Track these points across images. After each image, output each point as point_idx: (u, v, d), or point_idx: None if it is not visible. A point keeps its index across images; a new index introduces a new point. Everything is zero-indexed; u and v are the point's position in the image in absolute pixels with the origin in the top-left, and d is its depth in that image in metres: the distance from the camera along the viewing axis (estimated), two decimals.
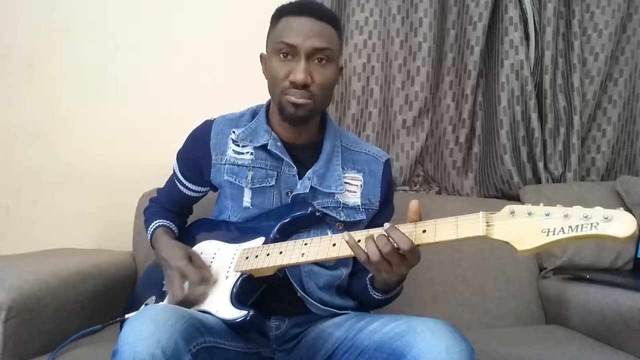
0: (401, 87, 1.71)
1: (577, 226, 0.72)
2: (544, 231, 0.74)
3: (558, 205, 0.75)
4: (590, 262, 1.50)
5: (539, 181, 1.73)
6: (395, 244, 0.82)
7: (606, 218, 0.70)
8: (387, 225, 0.84)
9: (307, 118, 1.05)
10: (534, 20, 1.71)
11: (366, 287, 1.01)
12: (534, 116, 1.69)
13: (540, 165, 1.72)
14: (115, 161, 1.73)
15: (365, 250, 0.84)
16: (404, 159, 1.73)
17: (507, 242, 0.77)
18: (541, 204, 0.77)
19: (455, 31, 1.74)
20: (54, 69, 1.74)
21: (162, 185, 1.30)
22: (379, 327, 0.89)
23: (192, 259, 1.03)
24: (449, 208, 1.56)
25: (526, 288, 1.52)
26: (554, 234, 0.73)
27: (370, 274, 0.99)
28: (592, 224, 0.71)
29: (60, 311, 1.14)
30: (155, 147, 1.69)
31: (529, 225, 0.76)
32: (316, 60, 1.01)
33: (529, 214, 0.77)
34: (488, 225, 0.78)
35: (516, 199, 1.68)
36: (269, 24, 1.08)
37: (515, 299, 1.50)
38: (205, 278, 0.99)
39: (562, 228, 0.73)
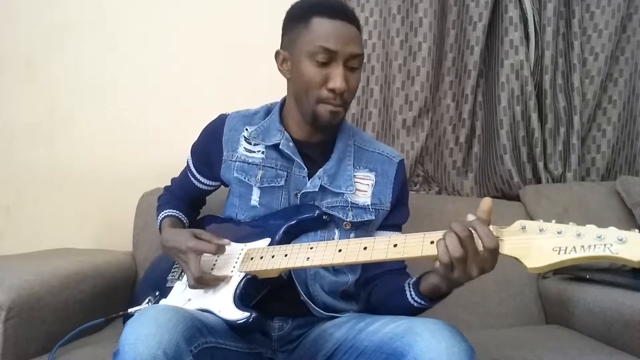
0: (401, 87, 1.71)
1: (589, 246, 0.70)
2: (555, 249, 0.72)
3: (571, 223, 0.73)
4: (590, 262, 1.49)
5: (539, 181, 1.73)
6: (480, 240, 0.76)
7: (620, 240, 0.68)
8: (471, 216, 0.78)
9: (338, 125, 1.07)
10: (534, 20, 1.71)
11: (402, 292, 0.95)
12: (534, 116, 1.69)
13: (540, 165, 1.72)
14: (115, 161, 1.73)
15: (446, 244, 0.78)
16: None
17: (516, 259, 0.75)
18: (553, 221, 0.75)
19: (455, 31, 1.74)
20: (54, 69, 1.74)
21: (162, 185, 1.30)
22: (379, 328, 0.89)
23: (198, 236, 1.02)
24: (449, 208, 1.56)
25: (526, 288, 1.52)
26: (565, 253, 0.71)
27: (413, 279, 0.95)
28: (605, 244, 0.69)
29: (60, 311, 1.14)
30: (155, 147, 1.69)
31: (540, 243, 0.73)
32: (349, 67, 1.00)
33: (541, 230, 0.74)
34: (498, 240, 0.76)
35: (516, 199, 1.68)
36: (288, 22, 1.04)
37: (515, 299, 1.50)
38: (220, 245, 0.99)
39: (575, 247, 0.71)
